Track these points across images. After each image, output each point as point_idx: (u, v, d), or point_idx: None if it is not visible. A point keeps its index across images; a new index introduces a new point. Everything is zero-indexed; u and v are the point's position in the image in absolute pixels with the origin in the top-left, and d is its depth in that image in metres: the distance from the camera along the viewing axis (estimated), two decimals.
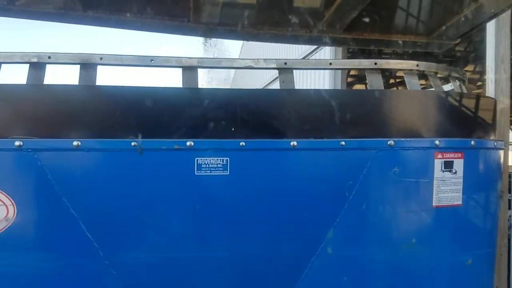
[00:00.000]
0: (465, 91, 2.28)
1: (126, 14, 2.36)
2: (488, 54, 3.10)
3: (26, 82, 1.78)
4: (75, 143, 1.65)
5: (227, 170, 1.74)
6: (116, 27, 2.50)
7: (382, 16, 2.60)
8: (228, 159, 1.74)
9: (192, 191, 1.74)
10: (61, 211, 1.65)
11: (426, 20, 2.67)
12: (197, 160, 1.72)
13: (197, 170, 1.72)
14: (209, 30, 2.46)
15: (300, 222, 1.81)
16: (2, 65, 1.80)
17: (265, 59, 1.98)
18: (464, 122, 2.04)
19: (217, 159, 1.74)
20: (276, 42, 2.69)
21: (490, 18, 2.38)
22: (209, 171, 1.73)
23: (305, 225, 1.81)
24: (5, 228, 1.64)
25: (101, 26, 2.46)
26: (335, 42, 2.62)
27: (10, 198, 1.63)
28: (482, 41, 3.21)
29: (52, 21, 2.49)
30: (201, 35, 2.60)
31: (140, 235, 1.73)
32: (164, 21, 2.40)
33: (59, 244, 1.70)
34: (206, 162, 1.73)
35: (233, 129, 1.78)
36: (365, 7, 2.29)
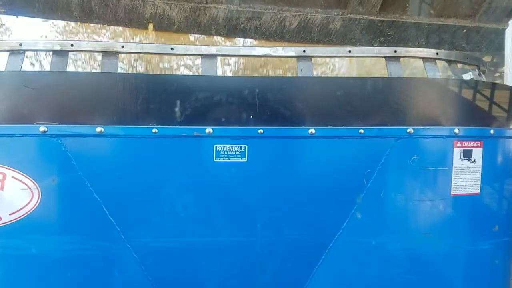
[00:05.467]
0: (484, 79, 2.25)
1: None
2: (506, 45, 3.06)
3: (50, 69, 1.82)
4: (98, 129, 1.68)
5: (245, 157, 1.76)
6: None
7: None
8: (247, 146, 1.76)
9: (211, 177, 1.77)
10: (85, 195, 1.70)
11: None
12: (215, 147, 1.75)
13: (215, 156, 1.75)
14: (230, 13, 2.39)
15: (317, 209, 1.82)
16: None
17: (283, 48, 1.99)
18: (484, 111, 2.02)
19: (236, 146, 1.76)
20: (303, 38, 2.58)
21: None
22: (227, 158, 1.76)
23: (322, 212, 1.83)
24: (30, 212, 1.69)
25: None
26: (370, 29, 2.54)
27: (35, 182, 1.68)
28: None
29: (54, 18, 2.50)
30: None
31: (161, 220, 1.76)
32: (180, 2, 2.36)
33: (82, 228, 1.74)
34: (224, 149, 1.75)
35: (251, 116, 1.79)
36: None
